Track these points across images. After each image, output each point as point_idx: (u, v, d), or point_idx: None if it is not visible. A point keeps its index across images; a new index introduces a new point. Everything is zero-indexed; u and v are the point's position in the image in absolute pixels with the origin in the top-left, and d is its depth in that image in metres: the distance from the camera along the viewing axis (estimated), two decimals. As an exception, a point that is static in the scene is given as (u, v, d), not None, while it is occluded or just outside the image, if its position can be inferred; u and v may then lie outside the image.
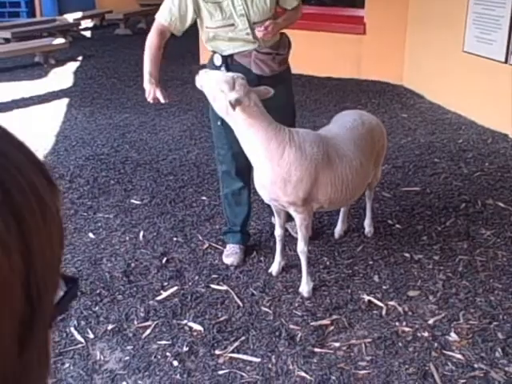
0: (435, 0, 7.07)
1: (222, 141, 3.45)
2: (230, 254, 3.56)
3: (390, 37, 7.99)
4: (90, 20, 13.64)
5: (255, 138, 2.98)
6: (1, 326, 0.47)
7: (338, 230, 3.85)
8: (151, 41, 3.31)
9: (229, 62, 3.30)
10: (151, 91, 3.28)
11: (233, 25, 3.21)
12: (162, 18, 3.26)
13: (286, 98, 3.49)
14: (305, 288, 3.23)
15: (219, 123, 3.30)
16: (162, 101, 3.31)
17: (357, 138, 3.30)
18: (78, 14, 12.73)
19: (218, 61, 3.34)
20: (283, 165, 2.98)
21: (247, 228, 3.72)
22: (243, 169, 3.47)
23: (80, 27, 12.87)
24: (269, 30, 3.14)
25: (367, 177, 3.44)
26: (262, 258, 3.59)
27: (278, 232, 3.39)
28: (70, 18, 12.38)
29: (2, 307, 0.47)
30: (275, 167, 2.99)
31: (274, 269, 3.44)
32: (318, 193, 3.10)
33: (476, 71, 6.33)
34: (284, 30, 3.44)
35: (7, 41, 10.40)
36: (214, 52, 3.36)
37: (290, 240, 3.78)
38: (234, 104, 2.86)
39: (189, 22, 3.29)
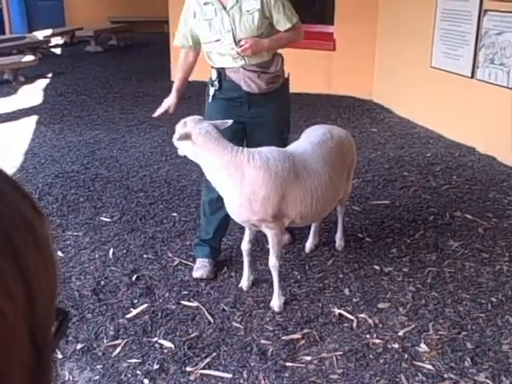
0: (403, 16, 7.19)
1: None
2: (199, 268, 3.55)
3: (360, 53, 8.10)
4: (60, 37, 13.59)
5: (215, 165, 3.08)
6: (10, 376, 0.45)
7: (309, 244, 3.86)
8: (178, 64, 3.75)
9: (222, 78, 3.46)
10: (172, 101, 3.73)
11: (219, 40, 3.35)
12: (179, 43, 3.60)
13: (275, 118, 3.50)
14: (276, 302, 3.23)
15: None
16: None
17: (326, 152, 3.32)
18: (48, 31, 12.66)
19: (213, 75, 3.50)
20: (246, 185, 3.03)
21: (218, 244, 3.71)
22: None
23: (50, 44, 12.80)
24: (246, 46, 3.25)
25: (338, 191, 3.46)
26: (232, 274, 3.58)
27: (245, 246, 3.38)
28: (40, 35, 12.30)
29: (10, 357, 0.45)
30: (238, 189, 3.05)
31: (244, 284, 3.44)
32: (287, 208, 3.13)
33: (443, 86, 6.45)
34: (280, 51, 3.57)
35: (-24, 58, 10.30)
36: (212, 67, 3.52)
37: (261, 255, 3.78)
38: (184, 137, 3.07)
39: (194, 38, 3.53)
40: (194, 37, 3.49)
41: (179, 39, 3.56)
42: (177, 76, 3.77)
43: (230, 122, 3.22)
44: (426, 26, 6.60)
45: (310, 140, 3.41)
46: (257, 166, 3.05)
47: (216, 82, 3.46)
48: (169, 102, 3.72)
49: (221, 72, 3.44)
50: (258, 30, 3.34)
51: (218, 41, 3.36)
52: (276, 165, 3.07)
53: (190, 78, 3.78)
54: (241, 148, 3.12)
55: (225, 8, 3.31)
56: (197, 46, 3.54)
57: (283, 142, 3.51)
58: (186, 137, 3.08)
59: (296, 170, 3.13)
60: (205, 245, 3.63)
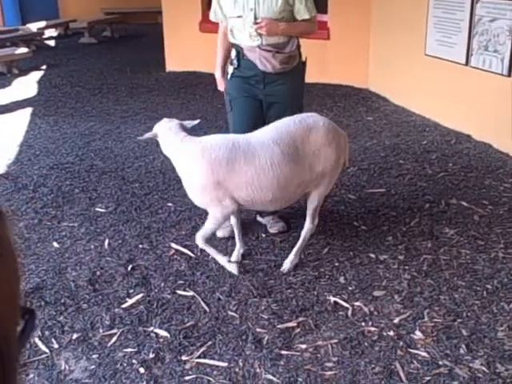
0: (397, 5, 7.16)
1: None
2: (222, 228, 3.73)
3: (354, 41, 8.07)
4: (53, 29, 13.52)
5: (176, 158, 3.37)
6: None
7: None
8: (218, 42, 3.88)
9: (240, 57, 3.67)
10: (223, 87, 3.86)
11: (241, 16, 3.56)
12: (213, 17, 3.80)
13: (287, 98, 3.70)
14: None
15: (229, 109, 3.81)
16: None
17: (279, 136, 3.25)
18: (42, 23, 12.60)
19: (233, 55, 3.72)
20: (192, 174, 3.24)
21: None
22: None
23: (44, 36, 12.73)
24: (262, 25, 3.48)
25: (296, 178, 3.29)
26: (228, 263, 3.58)
27: (232, 220, 3.57)
28: (34, 27, 12.24)
29: None
30: (188, 178, 3.29)
31: (233, 256, 3.55)
32: (232, 193, 3.21)
33: (438, 74, 6.43)
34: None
35: (-31, 51, 10.25)
36: (233, 47, 3.73)
37: (256, 243, 3.79)
38: (154, 137, 3.55)
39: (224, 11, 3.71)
40: (223, 11, 3.68)
41: (213, 14, 3.76)
42: (219, 57, 3.88)
43: (197, 121, 3.53)
44: (420, 13, 6.58)
45: (275, 125, 3.39)
46: (193, 155, 3.23)
47: (235, 61, 3.67)
48: (224, 84, 3.87)
49: (239, 51, 3.64)
50: (279, 14, 3.53)
51: (239, 17, 3.56)
52: (211, 154, 3.17)
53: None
54: (191, 138, 3.32)
55: None
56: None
57: None
58: (154, 136, 3.54)
59: (235, 158, 3.17)
60: None
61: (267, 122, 3.59)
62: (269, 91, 3.68)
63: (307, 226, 3.55)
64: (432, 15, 6.44)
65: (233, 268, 3.42)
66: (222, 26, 3.82)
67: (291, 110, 3.65)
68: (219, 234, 3.81)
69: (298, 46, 3.71)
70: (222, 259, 3.44)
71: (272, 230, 3.91)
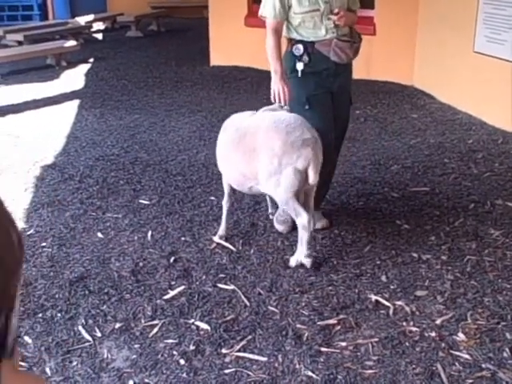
0: (445, 1, 7.04)
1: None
2: (282, 222, 3.81)
3: (400, 37, 7.97)
4: (101, 22, 13.73)
5: None
6: None
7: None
8: (270, 43, 3.63)
9: (310, 51, 3.62)
10: (285, 90, 3.60)
11: (318, 10, 3.57)
12: (273, 16, 3.61)
13: (348, 87, 3.88)
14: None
15: (306, 107, 3.63)
16: (285, 103, 3.66)
17: (235, 128, 3.58)
18: (90, 17, 12.82)
19: (298, 51, 3.63)
20: None
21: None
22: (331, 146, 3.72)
23: (92, 30, 12.95)
24: (342, 14, 3.54)
25: (239, 166, 3.53)
26: (269, 258, 3.59)
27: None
28: (82, 20, 12.46)
29: None
30: None
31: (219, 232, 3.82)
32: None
33: (486, 71, 6.30)
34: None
35: (20, 43, 10.50)
36: (294, 43, 3.65)
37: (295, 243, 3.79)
38: None
39: (287, 8, 3.64)
40: (286, 8, 3.61)
41: (272, 11, 3.58)
42: (277, 57, 3.62)
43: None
44: (469, 9, 6.45)
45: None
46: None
47: (305, 57, 3.62)
48: (285, 85, 3.62)
49: (307, 46, 3.61)
50: (347, 4, 3.68)
51: (316, 11, 3.56)
52: (222, 132, 3.72)
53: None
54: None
55: None
56: (286, 16, 3.65)
57: (349, 110, 3.96)
58: None
59: (232, 139, 3.55)
60: None
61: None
62: (339, 83, 3.73)
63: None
64: (482, 11, 6.30)
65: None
66: (274, 23, 3.61)
67: (350, 98, 3.88)
68: (279, 228, 3.88)
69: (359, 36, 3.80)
70: None
71: (315, 226, 3.90)
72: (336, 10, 3.55)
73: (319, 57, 3.62)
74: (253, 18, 8.78)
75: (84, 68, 9.43)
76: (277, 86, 3.60)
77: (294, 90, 3.65)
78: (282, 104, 3.61)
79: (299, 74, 3.64)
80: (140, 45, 11.67)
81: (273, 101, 3.66)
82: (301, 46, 3.62)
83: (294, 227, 3.70)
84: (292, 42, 3.68)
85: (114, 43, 11.88)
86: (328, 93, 3.71)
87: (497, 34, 6.09)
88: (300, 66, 3.63)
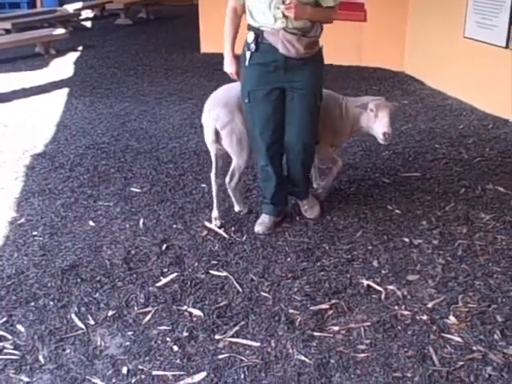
0: (436, -15, 7.03)
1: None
2: (259, 224, 3.75)
3: (391, 23, 7.96)
4: (90, 10, 13.63)
5: None
6: None
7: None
8: (226, 19, 3.57)
9: (259, 40, 3.41)
10: (233, 73, 3.59)
11: (264, 1, 3.34)
12: None
13: (309, 85, 3.50)
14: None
15: (246, 101, 3.56)
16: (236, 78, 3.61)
17: None
18: (79, 5, 12.72)
19: (250, 38, 3.45)
20: None
21: (281, 200, 3.85)
22: (268, 149, 3.64)
23: (80, 17, 12.86)
24: (291, 6, 3.25)
25: None
26: (261, 244, 3.59)
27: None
28: (71, 8, 12.36)
29: None
30: None
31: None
32: None
33: (477, 57, 6.31)
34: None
35: (8, 32, 10.39)
36: (249, 30, 3.47)
37: (289, 226, 3.80)
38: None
39: None
40: None
41: None
42: (229, 35, 3.54)
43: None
44: (460, -5, 6.45)
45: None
46: None
47: (253, 45, 3.42)
48: (234, 64, 3.57)
49: (258, 34, 3.40)
50: (307, 1, 3.35)
51: (263, 2, 3.34)
52: None
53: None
54: None
55: None
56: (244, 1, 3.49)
57: (316, 110, 3.61)
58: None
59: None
60: (267, 201, 3.83)
61: (287, 110, 3.55)
62: (291, 78, 3.45)
63: None
64: (472, -4, 6.31)
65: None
66: (233, 4, 3.52)
67: (313, 98, 3.54)
68: (255, 229, 3.75)
69: (321, 30, 3.50)
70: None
71: (308, 215, 3.91)
72: (288, 1, 3.27)
73: (268, 47, 3.39)
74: (243, 4, 8.74)
75: (73, 56, 9.37)
76: (228, 70, 3.57)
77: (242, 79, 3.58)
78: None
79: (246, 64, 3.48)
80: (129, 32, 11.60)
81: None
82: (252, 34, 3.42)
83: (274, 226, 3.77)
84: (249, 28, 3.49)
85: (103, 31, 11.80)
86: (276, 89, 3.48)
87: (487, 20, 6.10)
88: (248, 55, 3.45)
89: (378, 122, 3.69)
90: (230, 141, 3.64)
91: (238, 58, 3.54)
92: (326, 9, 3.43)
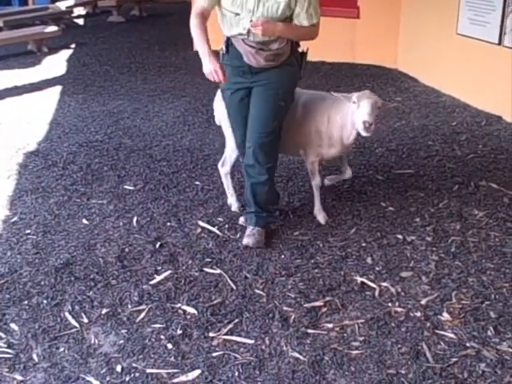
0: (428, -18, 7.04)
1: None
2: (246, 236, 3.56)
3: (384, 20, 7.96)
4: (82, 7, 13.55)
5: None
6: None
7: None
8: (194, 23, 3.33)
9: (229, 44, 3.40)
10: (217, 69, 3.19)
11: (238, 14, 3.27)
12: (205, 3, 3.33)
13: (275, 84, 3.38)
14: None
15: None
16: (223, 81, 3.26)
17: None
18: (71, 2, 12.63)
19: (224, 41, 3.45)
20: None
21: (263, 210, 3.61)
22: (239, 147, 3.70)
23: (73, 15, 12.79)
24: (258, 24, 3.16)
25: None
26: (255, 242, 3.59)
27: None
28: (63, 5, 12.27)
29: None
30: None
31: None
32: None
33: (470, 53, 6.32)
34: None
35: (0, 29, 10.34)
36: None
37: (284, 222, 3.80)
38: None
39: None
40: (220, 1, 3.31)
41: None
42: (203, 39, 3.28)
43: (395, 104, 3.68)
44: (453, -9, 6.46)
45: None
46: None
47: (224, 47, 3.42)
48: (216, 60, 3.24)
49: (229, 38, 3.38)
50: (278, 19, 3.27)
51: (236, 15, 3.27)
52: None
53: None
54: None
55: None
56: (214, 3, 3.36)
57: (278, 109, 3.42)
58: None
59: None
60: (249, 212, 3.64)
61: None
62: (257, 78, 3.38)
63: None
64: (464, -7, 6.32)
65: None
66: (201, 8, 3.33)
67: (277, 96, 3.38)
68: (244, 242, 3.54)
69: (292, 43, 3.40)
70: None
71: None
72: (261, 19, 3.18)
73: (236, 53, 3.36)
74: (236, 1, 8.71)
75: (66, 54, 9.33)
76: (211, 67, 3.20)
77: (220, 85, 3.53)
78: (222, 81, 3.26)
79: (221, 60, 3.41)
80: (122, 30, 11.55)
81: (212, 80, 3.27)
82: (225, 37, 3.41)
83: (265, 237, 3.60)
84: None
85: (96, 28, 11.75)
86: (242, 90, 3.43)
87: (480, 16, 6.11)
88: (220, 57, 3.43)
89: (358, 112, 3.49)
90: (225, 124, 3.79)
91: (216, 56, 3.33)
92: (301, 28, 3.34)
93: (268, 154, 3.46)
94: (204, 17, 3.34)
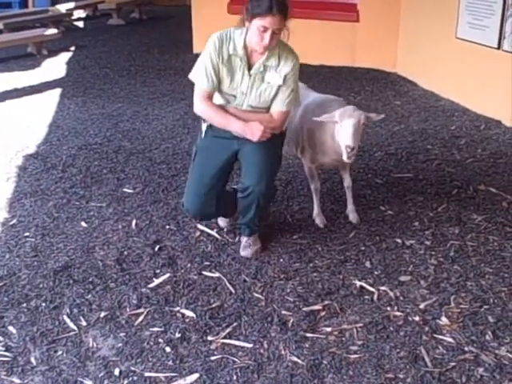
0: (428, -13, 7.06)
1: None
2: (243, 248, 3.51)
3: (384, 24, 7.98)
4: (82, 10, 13.58)
5: None
6: None
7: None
8: (205, 106, 3.22)
9: None
10: (264, 127, 3.17)
11: (234, 96, 3.24)
12: (204, 84, 3.21)
13: (265, 145, 3.26)
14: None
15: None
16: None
17: None
18: (71, 5, 12.67)
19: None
20: None
21: (250, 222, 3.46)
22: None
23: (72, 17, 12.81)
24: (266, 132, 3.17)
25: None
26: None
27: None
28: (63, 8, 12.30)
29: None
30: None
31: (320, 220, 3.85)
32: None
33: (469, 58, 6.33)
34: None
35: (0, 32, 10.34)
36: None
37: (283, 226, 3.80)
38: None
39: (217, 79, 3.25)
40: (218, 77, 3.22)
41: (209, 81, 3.19)
42: (226, 114, 3.22)
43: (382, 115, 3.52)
44: (452, -4, 6.47)
45: None
46: None
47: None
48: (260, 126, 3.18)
49: None
50: (270, 103, 3.27)
51: (233, 96, 3.24)
52: None
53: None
54: None
55: (250, 69, 3.19)
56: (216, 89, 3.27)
57: (273, 154, 3.36)
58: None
59: None
60: (243, 222, 3.51)
61: (240, 159, 3.38)
62: (244, 140, 3.27)
63: None
64: (464, -2, 6.33)
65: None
66: (206, 91, 3.21)
67: (270, 147, 3.28)
68: (242, 253, 3.49)
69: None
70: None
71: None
72: (244, 107, 3.23)
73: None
74: (236, 5, 8.73)
75: (65, 56, 9.34)
76: (260, 129, 3.14)
77: (197, 147, 3.45)
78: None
79: (203, 135, 3.41)
80: (122, 33, 11.57)
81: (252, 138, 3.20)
82: None
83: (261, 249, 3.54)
84: None
85: (96, 31, 11.77)
86: (226, 149, 3.34)
87: (479, 20, 6.12)
88: (204, 128, 3.39)
89: (341, 134, 3.28)
90: None
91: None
92: (271, 114, 3.29)
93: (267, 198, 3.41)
94: (210, 99, 3.25)
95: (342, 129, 3.27)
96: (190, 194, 3.39)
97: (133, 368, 2.60)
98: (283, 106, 3.26)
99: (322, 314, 2.96)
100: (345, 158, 3.28)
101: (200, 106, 3.24)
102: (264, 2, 3.01)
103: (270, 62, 3.19)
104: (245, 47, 3.18)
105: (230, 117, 3.21)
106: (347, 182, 3.91)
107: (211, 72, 3.18)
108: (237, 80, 3.21)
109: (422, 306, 3.01)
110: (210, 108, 3.23)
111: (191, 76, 3.31)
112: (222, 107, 3.26)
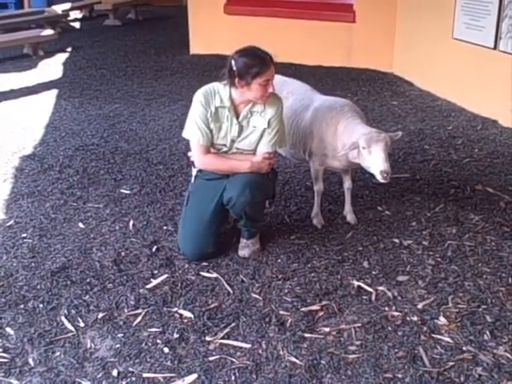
0: (424, -13, 7.07)
1: None
2: (241, 248, 3.52)
3: (380, 25, 7.99)
4: (78, 11, 13.57)
5: None
6: None
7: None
8: (209, 159, 3.38)
9: None
10: (269, 159, 3.39)
11: (225, 145, 3.38)
12: (201, 139, 3.33)
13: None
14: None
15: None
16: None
17: None
18: (67, 5, 12.65)
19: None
20: None
21: (246, 226, 3.50)
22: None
23: (69, 18, 12.80)
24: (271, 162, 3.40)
25: None
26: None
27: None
28: (59, 9, 12.29)
29: None
30: None
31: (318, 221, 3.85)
32: None
33: (465, 58, 6.35)
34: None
35: (-5, 32, 10.33)
36: None
37: (280, 227, 3.80)
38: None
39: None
40: (210, 130, 3.34)
41: (203, 136, 3.32)
42: (230, 159, 3.37)
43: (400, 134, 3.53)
44: (449, -4, 6.48)
45: None
46: None
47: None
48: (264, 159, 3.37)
49: None
50: (255, 145, 3.39)
51: (223, 146, 3.38)
52: None
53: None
54: None
55: (237, 117, 3.33)
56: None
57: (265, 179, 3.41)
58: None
59: None
60: (242, 225, 3.53)
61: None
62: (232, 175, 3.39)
63: None
64: (460, -2, 6.34)
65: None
66: (204, 146, 3.34)
67: (260, 176, 3.35)
68: (240, 253, 3.51)
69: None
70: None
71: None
72: (233, 150, 3.37)
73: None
74: (232, 5, 8.74)
75: (62, 57, 9.33)
76: (265, 163, 3.35)
77: (188, 191, 3.57)
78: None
79: (192, 180, 3.54)
80: (118, 33, 11.56)
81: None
82: None
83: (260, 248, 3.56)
84: None
85: (92, 32, 11.76)
86: (216, 195, 3.40)
87: (475, 21, 6.13)
88: (194, 172, 3.53)
89: (372, 160, 3.31)
90: None
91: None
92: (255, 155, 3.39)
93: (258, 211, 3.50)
94: (209, 151, 3.38)
95: (373, 155, 3.29)
96: (186, 239, 3.47)
97: (131, 369, 2.59)
98: (269, 148, 3.38)
99: (320, 314, 2.96)
100: (381, 180, 3.35)
101: (203, 161, 3.40)
102: (256, 61, 3.17)
103: (255, 108, 3.34)
104: (230, 98, 3.31)
105: (235, 162, 3.35)
106: (348, 183, 3.92)
107: (203, 127, 3.32)
108: (225, 129, 3.34)
109: (419, 306, 3.01)
110: (214, 160, 3.38)
111: (185, 134, 3.46)
112: (222, 155, 3.40)
